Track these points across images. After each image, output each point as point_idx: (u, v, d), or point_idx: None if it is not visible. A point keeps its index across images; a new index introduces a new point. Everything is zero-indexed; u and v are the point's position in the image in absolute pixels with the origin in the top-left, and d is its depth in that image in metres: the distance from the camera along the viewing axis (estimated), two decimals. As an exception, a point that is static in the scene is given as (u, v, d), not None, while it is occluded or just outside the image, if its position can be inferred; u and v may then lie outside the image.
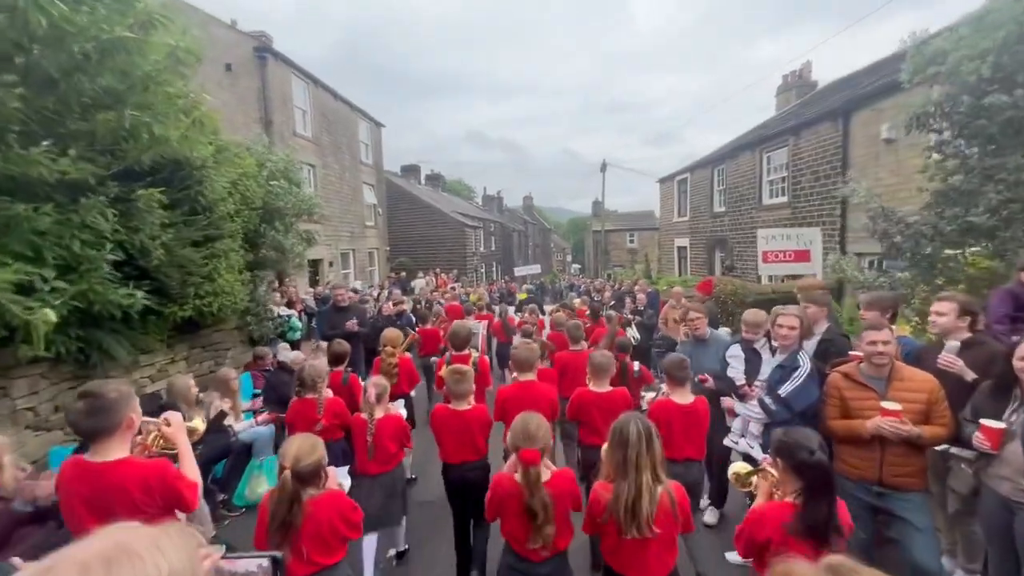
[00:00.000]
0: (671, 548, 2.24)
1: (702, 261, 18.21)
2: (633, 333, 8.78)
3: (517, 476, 2.29)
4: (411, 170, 28.89)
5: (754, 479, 2.31)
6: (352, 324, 5.30)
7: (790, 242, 6.31)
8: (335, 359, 4.35)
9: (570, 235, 78.73)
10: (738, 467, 2.49)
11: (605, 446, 2.32)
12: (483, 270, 28.42)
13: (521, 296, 18.58)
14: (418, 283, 18.45)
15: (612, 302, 11.28)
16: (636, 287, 10.51)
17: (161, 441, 2.29)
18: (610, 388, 3.70)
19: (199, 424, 2.61)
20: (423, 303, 11.03)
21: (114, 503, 1.97)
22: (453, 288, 17.07)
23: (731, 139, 18.12)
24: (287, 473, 2.13)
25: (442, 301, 11.67)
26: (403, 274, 19.46)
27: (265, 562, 1.30)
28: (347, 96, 17.32)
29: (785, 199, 12.92)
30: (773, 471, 2.15)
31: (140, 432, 2.24)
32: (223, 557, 1.14)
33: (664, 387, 3.62)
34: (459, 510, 3.39)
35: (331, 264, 15.47)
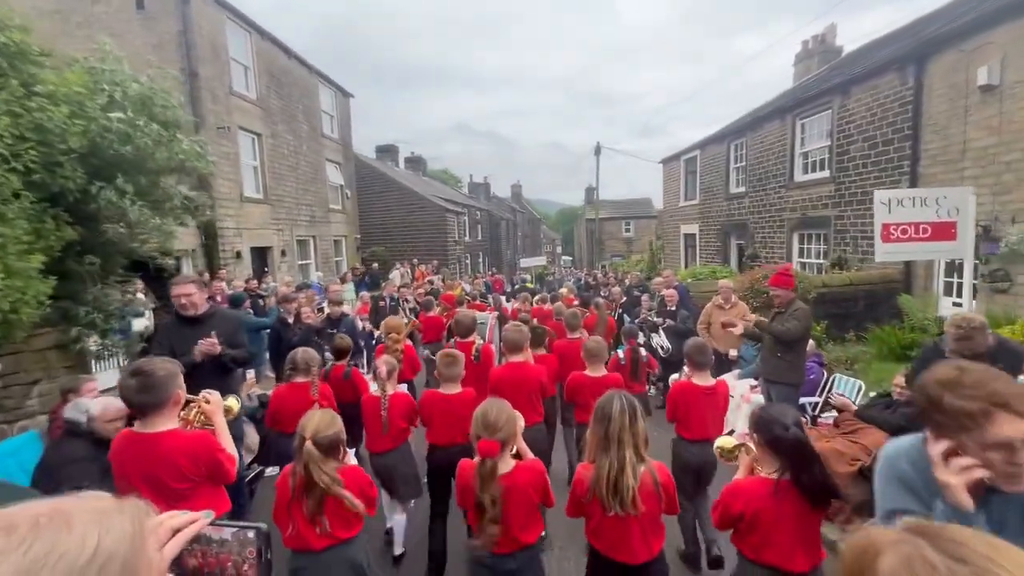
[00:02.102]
0: (656, 531, 2.19)
1: (715, 250, 16.08)
2: (661, 341, 6.54)
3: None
4: (388, 151, 26.19)
5: (739, 453, 2.25)
6: (208, 345, 2.93)
7: (926, 210, 4.10)
8: (337, 353, 4.31)
9: (559, 226, 76.38)
10: (723, 441, 2.40)
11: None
12: (468, 261, 26.03)
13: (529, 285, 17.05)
14: (395, 275, 16.09)
15: (623, 299, 9.02)
16: (660, 279, 8.22)
17: (201, 417, 2.40)
18: (605, 372, 3.85)
19: (234, 404, 2.65)
20: (388, 301, 8.68)
21: (162, 471, 2.13)
22: (430, 282, 14.73)
23: (750, 108, 15.93)
24: (308, 444, 2.16)
25: (410, 298, 9.34)
26: (375, 265, 17.03)
27: (251, 533, 1.09)
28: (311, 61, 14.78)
29: (827, 173, 10.76)
30: (752, 446, 2.12)
31: (184, 407, 2.35)
32: (211, 524, 1.01)
33: (686, 369, 3.65)
34: (438, 493, 3.36)
35: (283, 253, 13.01)
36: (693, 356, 3.48)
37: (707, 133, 17.06)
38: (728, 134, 15.19)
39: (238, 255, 11.03)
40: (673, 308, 6.59)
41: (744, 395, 5.07)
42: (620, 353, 4.82)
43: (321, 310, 5.66)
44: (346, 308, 7.82)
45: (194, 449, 2.19)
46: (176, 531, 0.85)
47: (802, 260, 11.93)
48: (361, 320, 7.70)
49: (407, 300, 9.25)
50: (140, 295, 8.63)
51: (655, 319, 6.78)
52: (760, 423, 2.05)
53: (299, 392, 3.54)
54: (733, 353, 5.72)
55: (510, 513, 2.17)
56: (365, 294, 9.70)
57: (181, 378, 2.25)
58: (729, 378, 5.66)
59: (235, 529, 1.08)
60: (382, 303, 8.57)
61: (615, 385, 3.65)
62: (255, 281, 8.71)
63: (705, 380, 3.43)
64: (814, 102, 11.10)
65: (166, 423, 2.18)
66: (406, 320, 7.42)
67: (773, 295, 4.46)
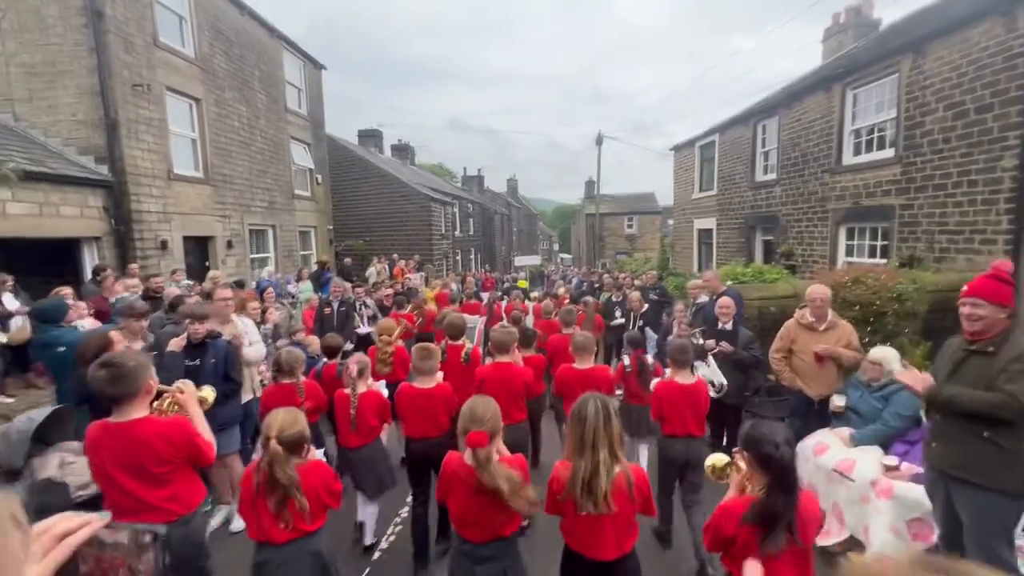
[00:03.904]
0: (628, 529, 2.22)
1: (736, 247, 14.08)
2: (712, 374, 4.50)
3: (466, 457, 2.28)
4: (372, 136, 23.94)
5: (730, 471, 2.20)
6: None
7: None
8: (329, 351, 4.44)
9: (556, 223, 74.26)
10: (715, 459, 2.32)
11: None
12: (458, 257, 23.93)
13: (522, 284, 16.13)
14: (372, 271, 14.02)
15: (644, 308, 6.96)
16: (698, 282, 6.15)
17: (176, 407, 2.47)
18: (592, 365, 3.93)
19: (209, 393, 2.71)
20: (335, 307, 6.61)
21: (141, 457, 2.19)
22: (408, 278, 12.66)
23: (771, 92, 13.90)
24: (273, 442, 2.19)
25: (369, 303, 7.27)
26: (347, 260, 14.95)
27: (147, 537, 1.10)
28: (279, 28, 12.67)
29: (890, 153, 8.75)
30: (743, 464, 2.08)
31: (157, 398, 2.42)
32: (107, 526, 0.96)
33: (668, 372, 3.71)
34: (416, 483, 3.51)
35: (230, 244, 10.88)
36: (675, 356, 3.56)
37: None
38: (754, 113, 13.17)
39: (163, 245, 8.92)
40: (728, 325, 4.54)
41: (877, 483, 3.01)
42: (626, 360, 4.51)
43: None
44: (278, 314, 5.76)
45: (170, 433, 2.25)
46: (65, 535, 0.81)
47: (850, 259, 9.94)
48: (294, 335, 5.63)
49: (366, 305, 7.19)
50: (7, 296, 6.55)
51: (698, 339, 4.72)
52: (750, 440, 2.00)
53: (286, 393, 3.56)
54: (838, 403, 3.66)
55: (490, 505, 2.23)
56: (314, 297, 7.62)
57: (152, 369, 2.34)
58: (831, 440, 3.61)
59: (131, 532, 1.01)
60: (328, 310, 6.49)
61: (602, 377, 3.85)
62: (160, 278, 6.61)
63: (686, 379, 3.53)
64: (874, 66, 9.06)
65: (139, 412, 2.24)
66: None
67: (970, 316, 2.40)
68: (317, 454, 2.80)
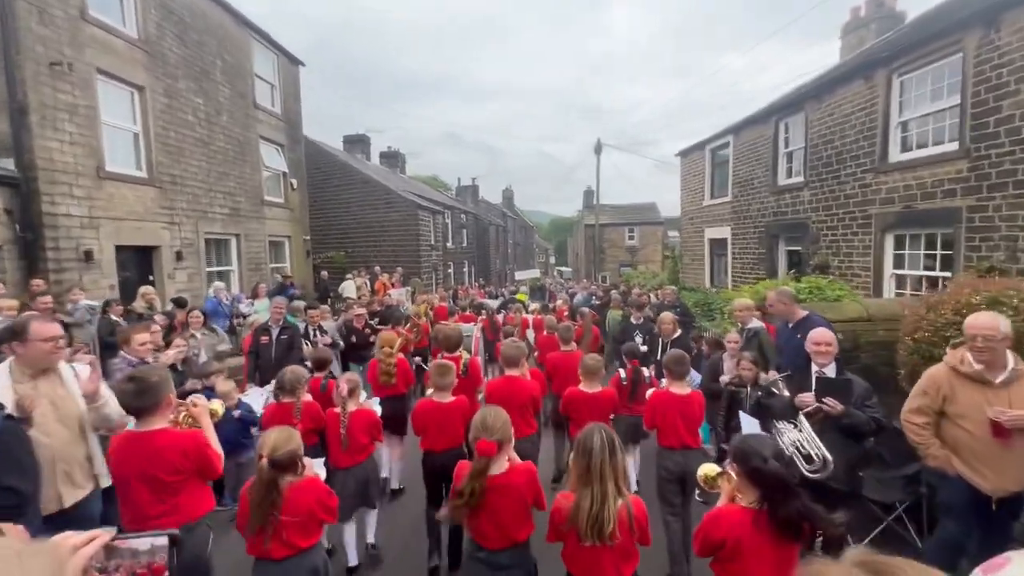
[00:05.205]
0: (628, 558, 2.21)
1: (754, 258, 12.71)
2: (809, 445, 3.02)
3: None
4: (358, 142, 22.50)
5: (721, 481, 2.20)
6: None
7: None
8: (317, 365, 4.37)
9: (552, 236, 73.07)
10: (707, 468, 2.35)
11: (571, 456, 2.34)
12: (450, 269, 22.44)
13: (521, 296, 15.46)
14: (347, 286, 12.51)
15: (678, 334, 5.48)
16: (744, 302, 4.66)
17: (190, 420, 2.57)
18: (600, 388, 3.98)
19: (218, 407, 2.83)
20: (272, 336, 5.09)
21: (156, 466, 2.30)
22: (388, 295, 11.15)
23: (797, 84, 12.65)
24: (264, 462, 2.22)
25: (327, 327, 5.76)
26: (324, 274, 13.44)
27: (162, 540, 1.10)
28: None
29: (953, 146, 7.41)
30: (733, 474, 2.09)
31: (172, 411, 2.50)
32: (115, 538, 1.00)
33: (664, 382, 3.76)
34: (433, 492, 3.59)
35: (179, 256, 9.35)
36: (671, 367, 3.57)
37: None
38: (776, 110, 11.89)
39: (87, 256, 7.40)
40: (829, 371, 3.05)
41: None
42: (622, 372, 4.53)
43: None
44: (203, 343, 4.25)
45: (184, 445, 2.35)
46: (76, 549, 0.85)
47: (899, 271, 8.56)
48: (207, 377, 4.12)
49: (322, 331, 5.68)
50: None
51: (781, 390, 3.25)
52: (739, 454, 2.03)
53: (286, 411, 3.54)
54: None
55: (504, 511, 2.30)
56: (257, 317, 6.10)
57: (172, 383, 2.48)
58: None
59: (149, 538, 1.04)
60: (264, 339, 4.98)
61: (609, 401, 4.02)
62: (47, 298, 5.09)
63: (682, 389, 3.53)
64: (930, 46, 7.76)
65: (159, 423, 2.36)
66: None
67: None
68: (317, 469, 2.71)
